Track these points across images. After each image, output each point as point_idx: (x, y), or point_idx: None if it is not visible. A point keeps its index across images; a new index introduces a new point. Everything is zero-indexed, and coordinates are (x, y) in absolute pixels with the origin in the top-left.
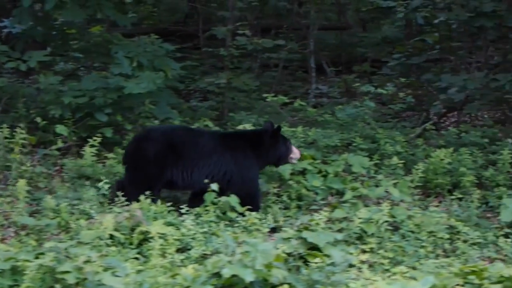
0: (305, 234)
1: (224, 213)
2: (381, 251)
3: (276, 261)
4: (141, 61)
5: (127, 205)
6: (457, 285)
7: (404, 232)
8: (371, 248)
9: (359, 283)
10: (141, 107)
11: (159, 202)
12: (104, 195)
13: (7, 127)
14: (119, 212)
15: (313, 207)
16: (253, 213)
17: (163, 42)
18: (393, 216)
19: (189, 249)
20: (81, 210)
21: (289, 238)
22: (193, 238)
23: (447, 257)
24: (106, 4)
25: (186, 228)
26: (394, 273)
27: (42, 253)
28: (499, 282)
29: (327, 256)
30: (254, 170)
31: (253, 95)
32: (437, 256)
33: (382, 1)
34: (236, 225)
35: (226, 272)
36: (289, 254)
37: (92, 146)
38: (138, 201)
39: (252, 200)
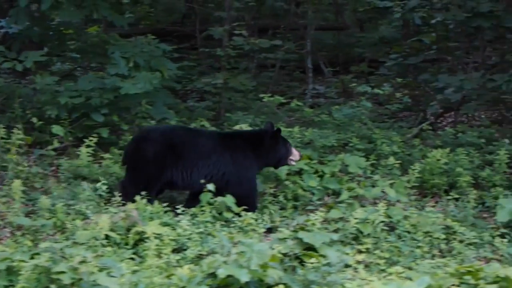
0: (301, 234)
1: (220, 214)
2: (377, 252)
3: (271, 261)
4: (137, 62)
5: (123, 205)
6: (453, 285)
7: (400, 232)
8: (367, 249)
9: (355, 284)
10: (138, 108)
11: (155, 202)
12: (100, 195)
13: (4, 128)
14: (115, 213)
15: (309, 207)
16: (249, 213)
17: (160, 42)
18: (389, 217)
19: (185, 250)
20: (77, 211)
21: (285, 238)
22: (189, 239)
23: (443, 257)
24: (102, 5)
25: (182, 229)
26: (390, 273)
27: (38, 254)
28: (495, 282)
29: (323, 256)
30: (253, 170)
31: (250, 95)
32: (433, 256)
33: (379, 1)
34: (232, 225)
35: (222, 273)
36: (285, 255)
37: (88, 146)
38: (134, 201)
39: (249, 200)
